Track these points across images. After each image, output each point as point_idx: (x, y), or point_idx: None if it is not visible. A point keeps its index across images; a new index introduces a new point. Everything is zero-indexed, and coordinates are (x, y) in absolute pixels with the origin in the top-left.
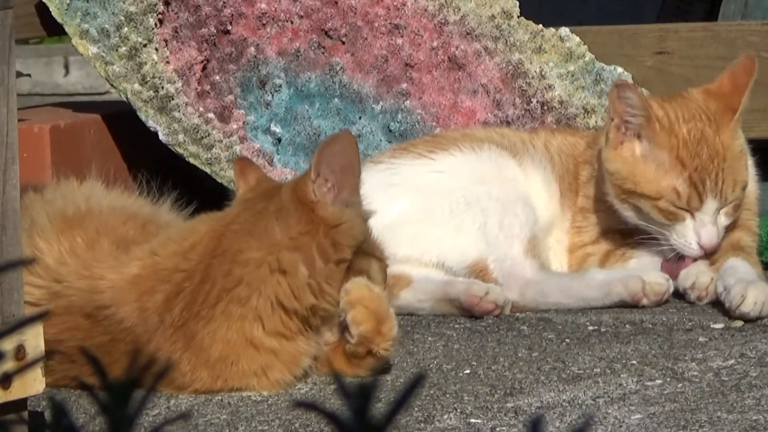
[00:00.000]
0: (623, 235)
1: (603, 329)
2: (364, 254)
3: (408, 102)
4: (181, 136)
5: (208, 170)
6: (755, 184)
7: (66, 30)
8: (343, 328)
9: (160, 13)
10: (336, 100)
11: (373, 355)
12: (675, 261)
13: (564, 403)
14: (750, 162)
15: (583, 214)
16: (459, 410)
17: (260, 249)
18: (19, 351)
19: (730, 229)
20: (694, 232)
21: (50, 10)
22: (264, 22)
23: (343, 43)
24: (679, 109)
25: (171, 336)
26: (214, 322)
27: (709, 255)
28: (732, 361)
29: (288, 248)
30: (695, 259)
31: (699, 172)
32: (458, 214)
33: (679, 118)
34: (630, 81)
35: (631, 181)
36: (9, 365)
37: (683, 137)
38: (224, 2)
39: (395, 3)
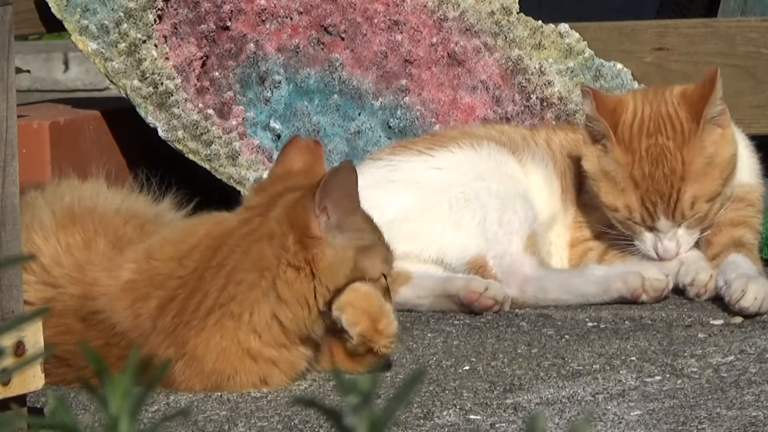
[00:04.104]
0: (615, 234)
1: (602, 325)
2: (354, 281)
3: (407, 98)
4: (180, 133)
5: (207, 166)
6: (759, 180)
7: (65, 26)
8: (342, 330)
9: (159, 9)
10: (335, 96)
11: (374, 353)
12: None
13: (563, 400)
14: (753, 159)
15: (584, 209)
16: (458, 406)
17: (254, 271)
18: (19, 347)
19: (731, 224)
20: (653, 243)
21: (50, 6)
22: (263, 18)
23: (343, 39)
24: (648, 118)
25: (163, 342)
26: (206, 332)
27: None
28: (731, 358)
29: (282, 278)
30: None
31: (650, 193)
32: (457, 210)
33: (643, 131)
34: (629, 76)
35: (596, 185)
36: (8, 361)
37: (640, 154)
38: None
39: None
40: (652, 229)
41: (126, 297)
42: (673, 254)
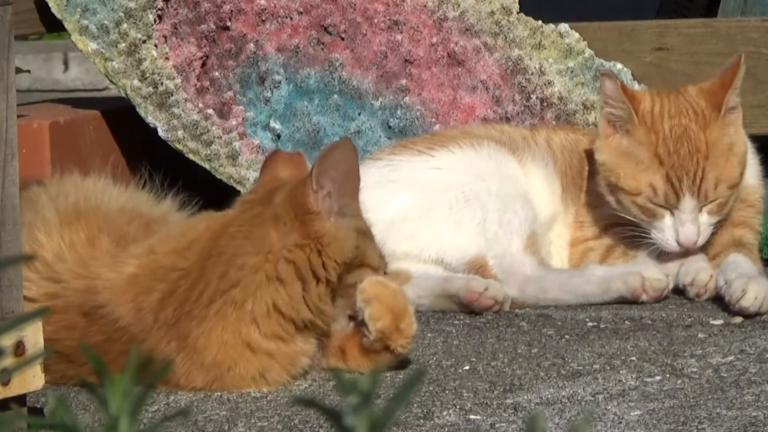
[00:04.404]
0: (625, 230)
1: (602, 325)
2: (356, 266)
3: (407, 98)
4: (180, 132)
5: (207, 166)
6: (759, 182)
7: (65, 26)
8: (361, 324)
9: (159, 9)
10: (335, 96)
11: (390, 351)
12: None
13: (563, 400)
14: (755, 161)
15: (586, 209)
16: (458, 406)
17: (257, 254)
18: (19, 347)
19: (732, 224)
20: (673, 229)
21: (50, 6)
22: (263, 18)
23: (343, 39)
24: (668, 105)
25: (165, 335)
26: (208, 322)
27: (690, 252)
28: (731, 358)
29: (285, 259)
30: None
31: (676, 169)
32: (457, 210)
33: (665, 113)
34: (629, 76)
35: (615, 174)
36: (8, 361)
37: (664, 134)
38: None
39: None
40: (673, 212)
41: (129, 291)
42: (693, 241)
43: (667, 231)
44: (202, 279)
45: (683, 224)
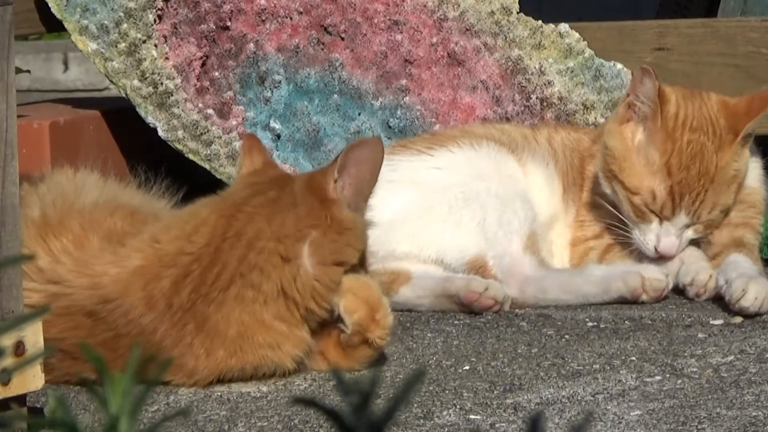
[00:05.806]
0: (612, 223)
1: (602, 325)
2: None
3: (407, 98)
4: (180, 132)
5: (207, 166)
6: (761, 183)
7: (65, 26)
8: (338, 319)
9: (159, 9)
10: (335, 96)
11: (369, 344)
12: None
13: (563, 400)
14: (757, 163)
15: (587, 208)
16: (458, 406)
17: (276, 240)
18: (18, 347)
19: (733, 225)
20: (656, 236)
21: (50, 6)
22: (263, 18)
23: (343, 39)
24: (691, 115)
25: (180, 320)
26: (227, 305)
27: (665, 259)
28: (731, 358)
29: (296, 238)
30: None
31: (682, 186)
32: (457, 210)
33: (687, 124)
34: (629, 76)
35: (618, 165)
36: (8, 361)
37: (680, 146)
38: None
39: None
40: (662, 221)
41: (137, 282)
42: (673, 253)
43: (649, 235)
44: (217, 262)
45: (668, 235)
